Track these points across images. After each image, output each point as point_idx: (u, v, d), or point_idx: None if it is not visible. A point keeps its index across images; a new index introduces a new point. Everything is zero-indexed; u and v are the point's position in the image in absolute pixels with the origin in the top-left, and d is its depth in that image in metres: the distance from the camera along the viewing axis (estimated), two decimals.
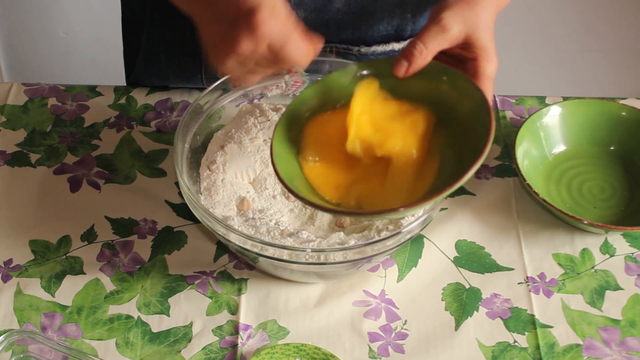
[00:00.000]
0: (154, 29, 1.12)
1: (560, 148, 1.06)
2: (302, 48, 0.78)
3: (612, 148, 1.07)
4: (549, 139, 1.06)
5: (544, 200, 0.96)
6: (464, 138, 0.81)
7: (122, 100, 1.13)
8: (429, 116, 0.84)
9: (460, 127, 0.82)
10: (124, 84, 1.17)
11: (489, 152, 0.77)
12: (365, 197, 0.83)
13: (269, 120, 1.00)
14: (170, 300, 0.92)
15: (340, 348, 0.89)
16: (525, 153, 1.03)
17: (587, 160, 1.06)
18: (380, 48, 1.09)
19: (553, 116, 1.06)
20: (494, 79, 0.84)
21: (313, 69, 1.03)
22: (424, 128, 0.83)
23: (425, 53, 0.82)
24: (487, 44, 0.84)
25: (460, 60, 0.84)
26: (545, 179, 1.04)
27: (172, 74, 1.13)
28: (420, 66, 0.83)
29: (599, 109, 1.07)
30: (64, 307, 0.92)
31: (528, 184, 0.98)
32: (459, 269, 0.96)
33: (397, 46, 1.10)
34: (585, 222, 0.95)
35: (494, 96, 1.15)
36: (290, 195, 0.91)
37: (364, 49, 1.09)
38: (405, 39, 1.10)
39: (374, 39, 1.09)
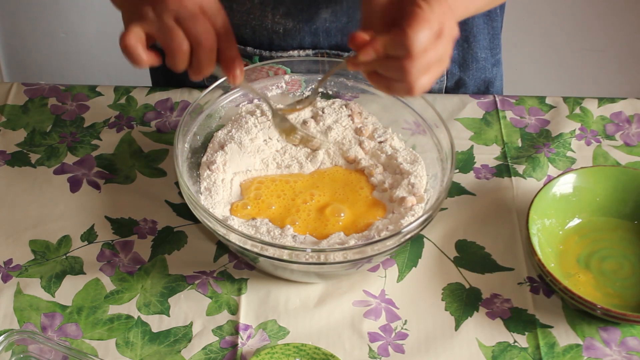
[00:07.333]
0: None
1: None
2: (209, 30, 0.79)
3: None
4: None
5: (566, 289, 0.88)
6: None
7: (122, 100, 1.13)
8: None
9: None
10: (124, 84, 1.17)
11: None
12: None
13: (269, 120, 1.00)
14: (170, 300, 0.92)
15: (340, 348, 0.88)
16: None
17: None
18: None
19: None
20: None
21: (309, 69, 1.03)
22: None
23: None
24: None
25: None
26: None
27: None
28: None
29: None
30: (64, 307, 0.92)
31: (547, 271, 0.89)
32: (459, 269, 0.96)
33: None
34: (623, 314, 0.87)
35: (494, 96, 1.14)
36: None
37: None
38: None
39: None
